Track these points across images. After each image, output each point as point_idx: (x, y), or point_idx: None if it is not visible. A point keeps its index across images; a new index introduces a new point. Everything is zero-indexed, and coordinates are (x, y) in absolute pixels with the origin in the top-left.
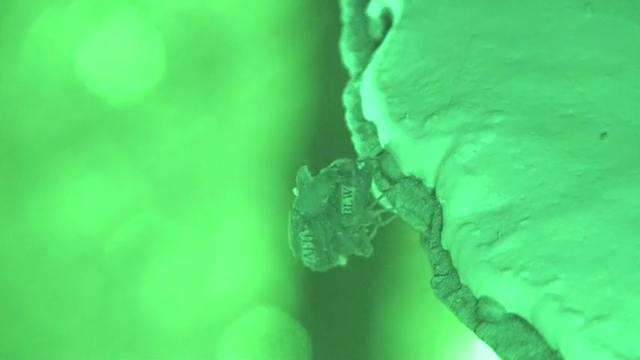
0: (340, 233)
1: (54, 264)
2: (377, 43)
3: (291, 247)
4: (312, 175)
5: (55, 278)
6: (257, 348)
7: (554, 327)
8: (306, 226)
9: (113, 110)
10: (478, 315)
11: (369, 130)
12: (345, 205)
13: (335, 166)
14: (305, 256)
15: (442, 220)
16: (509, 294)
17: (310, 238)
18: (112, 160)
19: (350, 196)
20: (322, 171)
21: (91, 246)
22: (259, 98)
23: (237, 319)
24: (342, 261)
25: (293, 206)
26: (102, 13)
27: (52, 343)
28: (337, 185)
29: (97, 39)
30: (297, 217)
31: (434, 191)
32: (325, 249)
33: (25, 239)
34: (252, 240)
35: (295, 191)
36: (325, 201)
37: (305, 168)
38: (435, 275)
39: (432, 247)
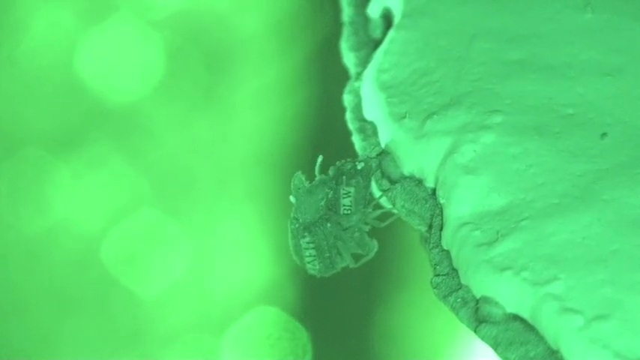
0: (341, 234)
1: (53, 263)
2: (377, 43)
3: (294, 257)
4: (309, 181)
5: (54, 278)
6: (257, 348)
7: (554, 327)
8: (306, 234)
9: (112, 110)
10: (478, 315)
11: (369, 129)
12: (344, 206)
13: (328, 173)
14: (308, 263)
15: (442, 220)
16: (509, 294)
17: (312, 245)
18: (112, 160)
19: (349, 196)
20: (317, 178)
21: (91, 245)
22: (259, 98)
23: (237, 319)
24: (352, 263)
25: (292, 214)
26: (102, 12)
27: (52, 343)
28: (336, 187)
29: (96, 39)
30: (297, 225)
31: (434, 191)
32: (327, 254)
33: (24, 238)
34: (252, 240)
35: (292, 198)
36: (322, 204)
37: (299, 173)
38: (435, 275)
39: (432, 247)
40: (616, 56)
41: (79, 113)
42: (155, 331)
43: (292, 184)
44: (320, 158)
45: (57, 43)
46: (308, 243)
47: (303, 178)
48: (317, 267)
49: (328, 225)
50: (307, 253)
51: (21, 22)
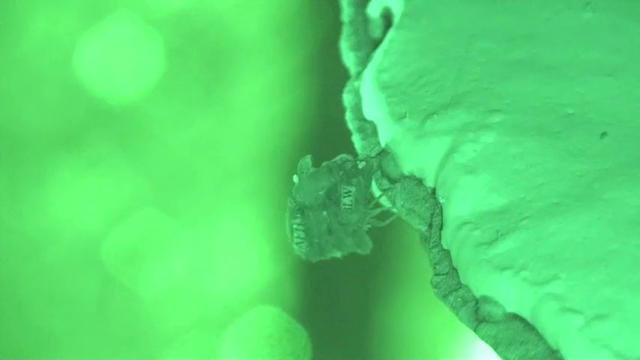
0: (338, 227)
1: (53, 263)
2: (377, 43)
3: (287, 234)
4: (314, 167)
5: (53, 277)
6: (257, 348)
7: (554, 327)
8: (298, 215)
9: (112, 109)
10: (478, 314)
11: (369, 129)
12: (344, 205)
13: (337, 161)
14: (296, 244)
15: (442, 219)
16: (509, 293)
17: (302, 228)
18: (111, 159)
19: (350, 195)
20: (324, 163)
21: (90, 245)
22: (259, 97)
23: (236, 319)
24: (337, 253)
25: (292, 193)
26: (101, 12)
27: (51, 342)
28: (337, 182)
29: (96, 38)
30: (293, 204)
31: (434, 190)
32: (317, 240)
33: (23, 238)
34: (252, 239)
35: (295, 178)
36: (322, 193)
37: (308, 157)
38: (435, 275)
39: (432, 247)
40: (616, 56)
41: (79, 113)
42: (155, 330)
43: (299, 165)
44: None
45: (57, 42)
46: (298, 224)
47: (310, 163)
48: (303, 249)
49: (324, 213)
50: (296, 235)
51: (21, 22)
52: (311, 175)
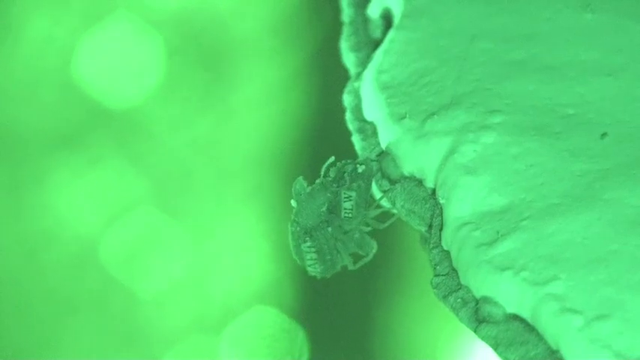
0: (342, 237)
1: (52, 263)
2: (377, 43)
3: (295, 257)
4: (309, 185)
5: (53, 278)
6: (256, 348)
7: (554, 327)
8: (307, 238)
9: (112, 110)
10: (478, 315)
11: (369, 130)
12: (345, 209)
13: (329, 175)
14: (309, 266)
15: (442, 220)
16: (509, 294)
17: (313, 249)
18: (111, 160)
19: (350, 200)
20: (317, 181)
21: (90, 245)
22: (259, 98)
23: (235, 319)
24: (351, 265)
25: (292, 217)
26: (101, 12)
27: (52, 343)
28: (336, 191)
29: (96, 39)
30: (298, 228)
31: (434, 191)
32: (329, 257)
33: (23, 238)
34: (251, 239)
35: (293, 203)
36: (324, 209)
37: (301, 179)
38: (435, 275)
39: (432, 248)
40: (616, 56)
41: (78, 113)
42: (154, 330)
43: (293, 189)
44: (331, 159)
45: (57, 43)
46: (309, 247)
47: (305, 184)
48: (318, 269)
49: (329, 229)
50: (308, 257)
51: (20, 23)
52: (308, 196)
